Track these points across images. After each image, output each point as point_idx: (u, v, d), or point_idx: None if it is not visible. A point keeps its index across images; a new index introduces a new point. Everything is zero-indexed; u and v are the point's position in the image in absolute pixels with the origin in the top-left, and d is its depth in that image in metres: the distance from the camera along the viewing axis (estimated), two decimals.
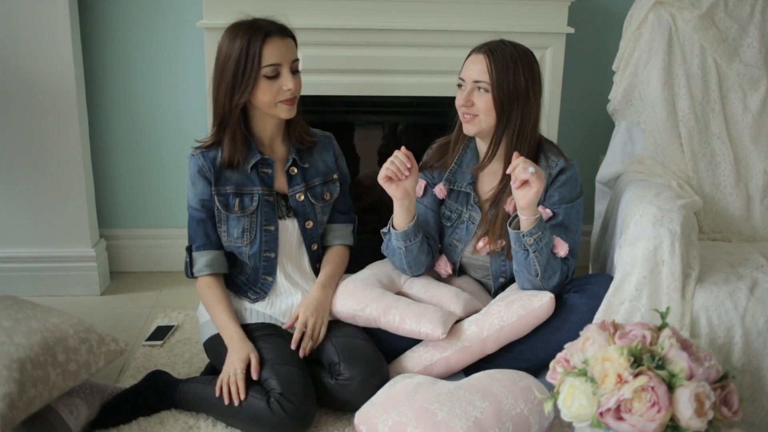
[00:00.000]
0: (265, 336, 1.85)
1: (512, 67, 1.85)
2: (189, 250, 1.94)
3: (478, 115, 1.88)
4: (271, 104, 1.83)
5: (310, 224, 1.97)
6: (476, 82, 1.87)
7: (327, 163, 2.01)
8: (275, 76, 1.81)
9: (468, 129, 1.91)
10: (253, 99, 1.83)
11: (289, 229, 1.96)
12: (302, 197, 1.95)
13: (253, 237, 1.91)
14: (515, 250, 1.86)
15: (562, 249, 1.86)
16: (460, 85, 1.92)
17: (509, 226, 1.84)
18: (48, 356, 1.64)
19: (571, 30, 2.38)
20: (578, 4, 2.41)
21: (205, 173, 1.89)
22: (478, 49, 1.90)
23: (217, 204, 1.89)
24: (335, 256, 2.04)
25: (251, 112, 1.89)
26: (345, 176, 2.07)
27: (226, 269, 1.95)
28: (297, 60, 1.86)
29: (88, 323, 1.80)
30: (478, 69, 1.87)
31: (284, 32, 1.84)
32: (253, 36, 1.79)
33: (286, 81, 1.81)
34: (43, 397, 1.60)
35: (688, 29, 2.26)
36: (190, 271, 1.93)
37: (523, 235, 1.80)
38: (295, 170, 1.95)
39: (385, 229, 2.00)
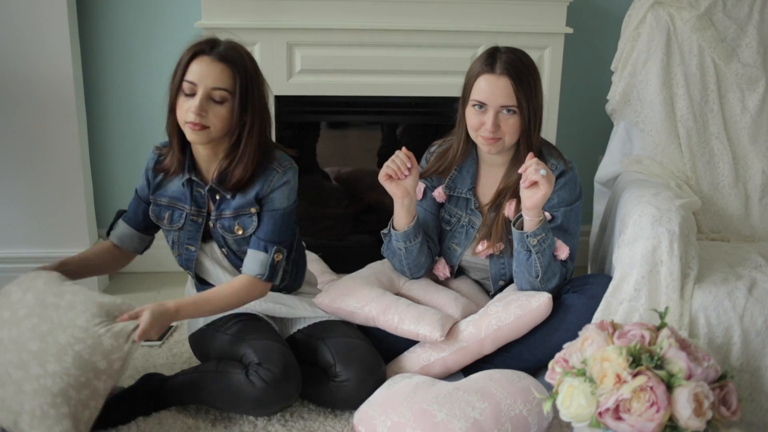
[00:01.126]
0: (240, 321, 1.85)
1: (531, 83, 1.85)
2: (119, 214, 1.99)
3: (501, 138, 1.86)
4: (181, 121, 1.75)
5: (225, 251, 1.90)
6: (503, 106, 1.83)
7: (248, 197, 1.82)
8: (191, 95, 1.72)
9: (491, 150, 1.88)
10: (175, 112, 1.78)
11: (216, 251, 1.92)
12: (213, 225, 1.87)
13: (179, 252, 1.93)
14: (517, 250, 1.86)
15: (563, 252, 1.87)
16: (479, 106, 1.85)
17: (513, 226, 1.85)
18: (89, 372, 1.56)
19: (570, 30, 2.38)
20: (577, 5, 2.42)
21: (147, 174, 1.91)
22: (490, 68, 1.83)
23: (151, 213, 1.92)
24: (226, 287, 1.81)
25: None
26: (277, 207, 1.83)
27: (135, 250, 1.99)
28: (220, 89, 1.71)
29: (112, 304, 1.66)
30: (503, 93, 1.82)
31: (221, 57, 1.72)
32: (190, 50, 1.74)
33: (193, 103, 1.70)
34: (99, 405, 1.59)
35: (686, 29, 2.26)
36: (107, 231, 1.99)
37: (527, 236, 1.81)
38: (217, 197, 1.84)
39: (385, 230, 1.99)
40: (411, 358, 1.92)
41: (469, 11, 2.34)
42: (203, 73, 1.71)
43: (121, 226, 1.96)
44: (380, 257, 2.11)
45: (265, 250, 1.82)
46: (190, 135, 1.75)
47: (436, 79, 2.40)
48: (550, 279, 1.86)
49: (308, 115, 2.48)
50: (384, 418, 1.66)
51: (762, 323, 1.71)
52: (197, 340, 1.94)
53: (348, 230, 2.68)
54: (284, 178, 1.82)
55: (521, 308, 1.84)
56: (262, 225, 1.83)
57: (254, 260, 1.82)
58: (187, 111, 1.72)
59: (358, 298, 1.93)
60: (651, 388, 1.38)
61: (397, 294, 2.03)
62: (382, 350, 1.90)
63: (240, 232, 1.84)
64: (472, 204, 1.99)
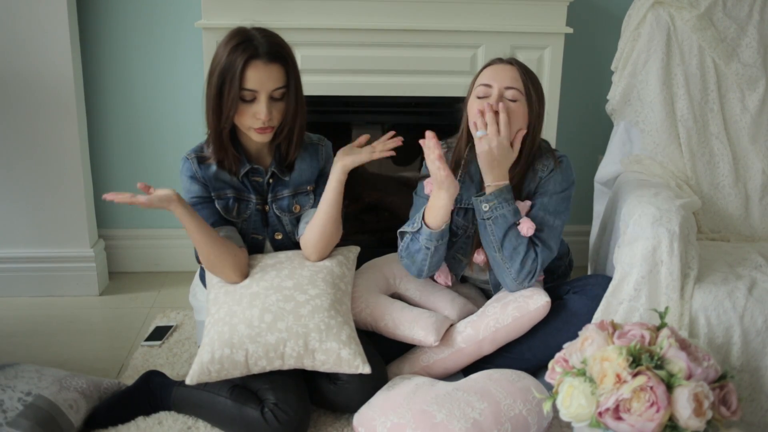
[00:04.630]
0: None
1: (537, 83, 1.85)
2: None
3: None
4: (244, 126, 1.79)
5: (279, 236, 1.95)
6: (509, 88, 1.80)
7: (305, 175, 1.94)
8: (251, 101, 1.75)
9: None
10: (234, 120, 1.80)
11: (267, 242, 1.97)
12: (268, 208, 1.92)
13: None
14: (479, 222, 1.84)
15: (525, 226, 1.81)
16: (483, 94, 1.83)
17: (474, 197, 1.83)
18: (337, 290, 1.82)
19: (570, 30, 2.38)
20: (577, 4, 2.41)
21: (198, 179, 1.87)
22: (497, 60, 1.87)
23: (218, 207, 1.90)
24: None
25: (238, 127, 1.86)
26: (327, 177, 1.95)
27: (243, 245, 1.88)
28: (280, 88, 1.76)
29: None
30: (510, 75, 1.81)
31: (272, 57, 1.74)
32: (240, 55, 1.72)
33: (260, 109, 1.74)
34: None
35: (686, 29, 2.26)
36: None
37: (480, 202, 1.79)
38: (272, 182, 1.92)
39: (410, 228, 1.88)
40: (411, 359, 1.92)
41: (470, 11, 2.34)
42: (263, 79, 1.73)
43: (218, 232, 1.86)
44: (380, 256, 2.11)
45: None
46: (257, 137, 1.80)
47: (436, 79, 2.40)
48: (513, 256, 1.81)
49: (308, 115, 2.48)
50: (384, 420, 1.66)
51: (762, 323, 1.71)
52: None
53: (348, 230, 2.68)
54: (329, 149, 1.97)
55: (519, 310, 1.83)
56: (320, 190, 1.93)
57: None
58: (252, 117, 1.76)
59: (354, 304, 1.92)
60: (651, 388, 1.38)
61: (393, 294, 2.02)
62: (383, 352, 1.90)
63: (297, 210, 1.93)
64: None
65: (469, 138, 1.89)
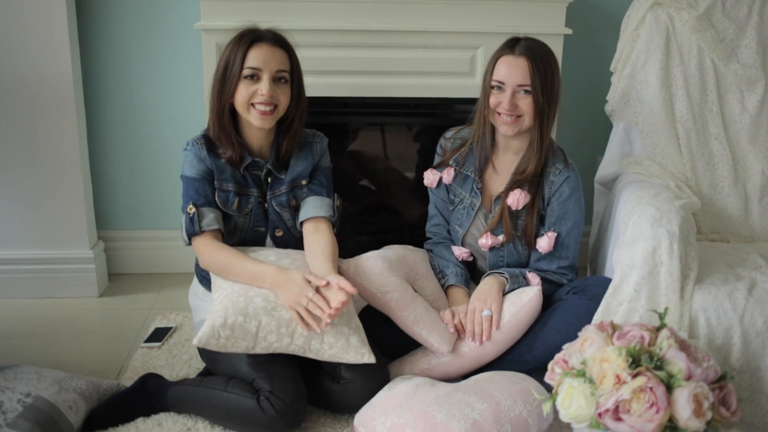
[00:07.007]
0: None
1: (548, 68, 1.88)
2: (195, 205, 1.83)
3: (521, 117, 1.89)
4: (244, 106, 1.82)
5: (279, 232, 1.95)
6: (520, 85, 1.86)
7: (299, 170, 1.94)
8: (253, 78, 1.81)
9: (509, 130, 1.90)
10: (233, 100, 1.83)
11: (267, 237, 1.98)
12: (267, 206, 1.93)
13: (241, 236, 1.92)
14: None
15: (534, 280, 1.93)
16: (498, 87, 1.90)
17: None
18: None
19: (569, 31, 2.38)
20: (576, 5, 2.42)
21: (205, 161, 1.87)
22: (510, 50, 1.89)
23: (217, 200, 1.88)
24: (320, 239, 1.87)
25: (240, 117, 1.88)
26: (326, 165, 1.99)
27: (222, 226, 1.87)
28: (283, 71, 1.84)
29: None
30: (520, 72, 1.86)
31: (276, 42, 1.84)
32: (243, 39, 1.82)
33: (263, 86, 1.80)
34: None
35: (685, 30, 2.26)
36: (197, 227, 1.81)
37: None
38: (270, 180, 1.93)
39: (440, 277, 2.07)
40: (412, 361, 1.92)
41: (469, 12, 2.34)
42: (267, 58, 1.81)
43: (209, 212, 1.84)
44: None
45: (328, 196, 1.96)
46: (258, 120, 1.83)
47: (435, 81, 2.40)
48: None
49: (307, 117, 2.48)
50: (384, 419, 1.66)
51: (762, 324, 1.71)
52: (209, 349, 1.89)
53: (348, 231, 2.68)
54: (324, 144, 1.99)
55: (514, 305, 1.86)
56: (317, 180, 1.96)
57: (321, 204, 1.93)
58: (252, 94, 1.81)
59: (384, 282, 1.89)
60: (650, 388, 1.38)
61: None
62: (383, 351, 1.90)
63: (294, 203, 1.94)
64: (475, 185, 2.01)
65: (485, 121, 1.96)
